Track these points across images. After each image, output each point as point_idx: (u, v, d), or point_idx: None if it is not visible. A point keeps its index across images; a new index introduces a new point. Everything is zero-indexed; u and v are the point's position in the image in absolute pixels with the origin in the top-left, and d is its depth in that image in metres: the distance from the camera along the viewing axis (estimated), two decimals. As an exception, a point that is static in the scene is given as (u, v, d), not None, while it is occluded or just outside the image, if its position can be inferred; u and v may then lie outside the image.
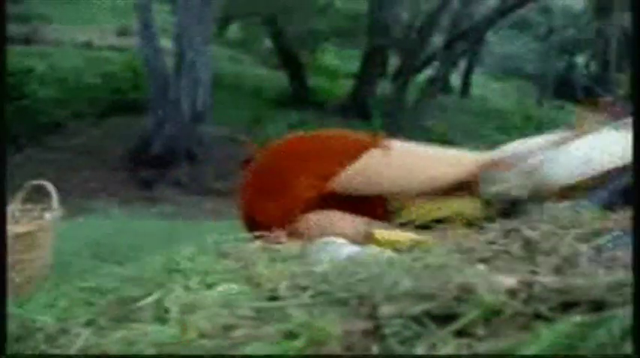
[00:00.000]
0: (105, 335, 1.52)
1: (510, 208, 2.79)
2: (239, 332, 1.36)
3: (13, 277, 3.03)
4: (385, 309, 1.32)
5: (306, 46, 20.85)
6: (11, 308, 1.85)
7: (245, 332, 1.36)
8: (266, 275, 1.76)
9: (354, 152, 3.06)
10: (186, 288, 1.74)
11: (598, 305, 1.24)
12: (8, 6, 19.99)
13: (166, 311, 1.58)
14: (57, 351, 1.53)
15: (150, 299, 1.68)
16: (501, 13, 19.16)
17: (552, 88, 25.92)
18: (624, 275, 1.33)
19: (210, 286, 1.78)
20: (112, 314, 1.67)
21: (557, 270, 1.51)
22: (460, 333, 1.24)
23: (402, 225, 2.84)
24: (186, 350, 1.35)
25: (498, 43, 27.31)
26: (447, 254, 1.80)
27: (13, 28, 19.16)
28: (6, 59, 3.56)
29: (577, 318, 1.19)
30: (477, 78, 26.33)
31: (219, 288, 1.72)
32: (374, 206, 3.04)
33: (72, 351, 1.50)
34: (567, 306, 1.26)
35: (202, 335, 1.38)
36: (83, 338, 1.53)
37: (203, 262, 1.93)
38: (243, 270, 1.88)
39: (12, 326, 1.68)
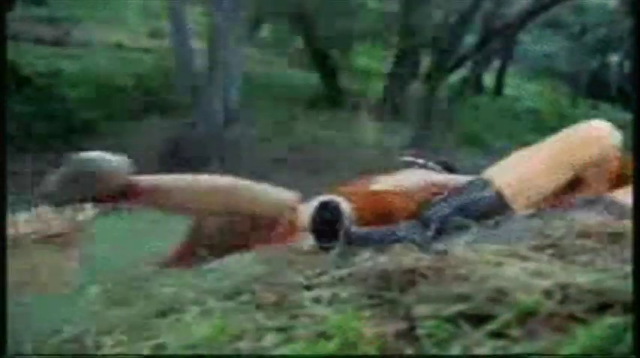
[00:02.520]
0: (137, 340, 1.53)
1: None
2: (273, 334, 1.37)
3: (45, 279, 3.04)
4: (419, 310, 1.32)
5: (339, 47, 20.81)
6: (39, 308, 1.87)
7: (279, 333, 1.37)
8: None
9: None
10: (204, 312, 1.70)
11: (634, 307, 1.23)
12: (37, 8, 20.22)
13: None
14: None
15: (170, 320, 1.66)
16: (534, 12, 19.07)
17: (586, 87, 25.78)
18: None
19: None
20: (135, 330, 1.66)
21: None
22: (495, 334, 1.23)
23: None
24: (221, 352, 1.36)
25: (531, 42, 27.19)
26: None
27: (43, 30, 19.34)
28: (6, 59, 3.56)
29: (612, 320, 1.18)
30: (510, 77, 26.21)
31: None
32: None
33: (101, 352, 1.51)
34: (602, 307, 1.25)
35: (237, 337, 1.39)
36: (113, 340, 1.54)
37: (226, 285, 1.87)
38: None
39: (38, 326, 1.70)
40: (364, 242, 2.08)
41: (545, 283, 1.33)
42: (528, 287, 1.32)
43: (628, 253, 1.61)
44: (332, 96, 19.31)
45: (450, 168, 3.50)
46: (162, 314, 1.66)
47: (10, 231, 2.58)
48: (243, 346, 1.35)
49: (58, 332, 1.68)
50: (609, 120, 2.77)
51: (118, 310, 1.74)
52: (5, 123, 3.11)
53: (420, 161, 3.56)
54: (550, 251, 1.74)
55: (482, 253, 1.61)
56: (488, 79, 24.62)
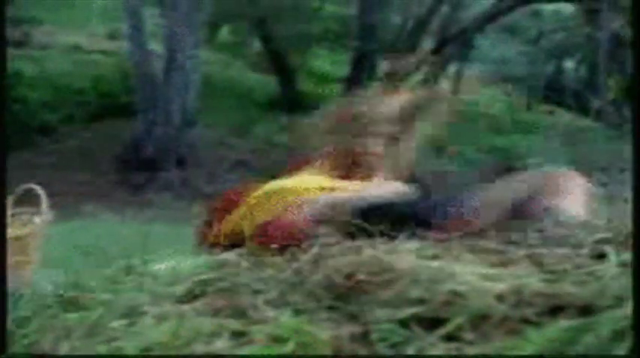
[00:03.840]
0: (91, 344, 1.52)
1: None
2: (228, 337, 1.36)
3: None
4: (374, 314, 1.32)
5: (297, 50, 20.79)
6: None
7: (234, 336, 1.36)
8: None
9: None
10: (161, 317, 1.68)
11: (586, 310, 1.24)
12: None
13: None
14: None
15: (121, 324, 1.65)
16: (491, 17, 19.18)
17: (542, 92, 25.93)
18: (610, 280, 1.33)
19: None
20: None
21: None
22: (449, 338, 1.24)
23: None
24: (177, 354, 1.35)
25: (488, 47, 27.31)
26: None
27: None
28: (5, 60, 3.53)
29: (565, 322, 1.19)
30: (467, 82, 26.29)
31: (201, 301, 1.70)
32: None
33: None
34: (555, 311, 1.26)
35: (192, 340, 1.38)
36: (68, 345, 1.53)
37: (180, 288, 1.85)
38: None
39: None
40: None
41: (499, 287, 1.34)
42: (482, 290, 1.33)
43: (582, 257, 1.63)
44: (290, 100, 19.28)
45: None
46: (118, 318, 1.65)
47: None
48: (198, 349, 1.35)
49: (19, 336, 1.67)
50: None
51: (74, 314, 1.72)
52: (5, 123, 3.08)
53: None
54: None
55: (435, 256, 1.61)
56: (445, 84, 24.70)
